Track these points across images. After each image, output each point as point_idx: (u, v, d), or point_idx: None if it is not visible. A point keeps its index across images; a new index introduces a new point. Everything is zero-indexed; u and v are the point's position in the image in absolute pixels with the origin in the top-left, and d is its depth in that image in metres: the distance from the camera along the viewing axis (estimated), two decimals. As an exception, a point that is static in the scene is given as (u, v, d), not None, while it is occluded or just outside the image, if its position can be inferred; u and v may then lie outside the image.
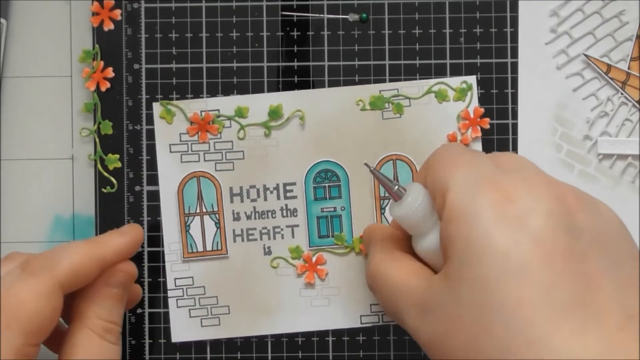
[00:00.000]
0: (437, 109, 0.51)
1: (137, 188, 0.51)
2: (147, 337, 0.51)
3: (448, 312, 0.37)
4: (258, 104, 0.51)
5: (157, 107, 0.51)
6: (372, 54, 0.52)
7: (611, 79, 0.51)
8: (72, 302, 0.44)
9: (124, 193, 0.51)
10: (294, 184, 0.51)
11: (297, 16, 0.52)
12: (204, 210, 0.51)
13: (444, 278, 0.38)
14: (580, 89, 0.51)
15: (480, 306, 0.36)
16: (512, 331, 0.35)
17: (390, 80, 0.51)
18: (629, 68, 0.51)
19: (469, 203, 0.37)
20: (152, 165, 0.51)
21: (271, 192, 0.51)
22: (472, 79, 0.51)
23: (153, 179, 0.51)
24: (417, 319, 0.39)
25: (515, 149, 0.51)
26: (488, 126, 0.51)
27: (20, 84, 0.52)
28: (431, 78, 0.51)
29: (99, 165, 0.51)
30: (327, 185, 0.51)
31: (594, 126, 0.51)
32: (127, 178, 0.51)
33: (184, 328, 0.51)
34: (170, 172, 0.51)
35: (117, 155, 0.51)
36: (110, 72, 0.51)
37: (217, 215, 0.51)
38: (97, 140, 0.51)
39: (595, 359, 0.34)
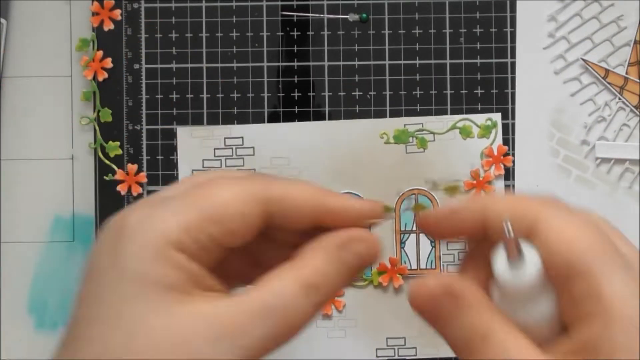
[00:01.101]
0: (461, 145, 0.51)
1: (138, 189, 0.52)
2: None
3: None
4: (281, 135, 0.51)
5: (181, 132, 0.51)
6: (372, 54, 0.52)
7: (609, 83, 0.51)
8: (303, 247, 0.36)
9: (124, 193, 0.51)
10: None
11: (297, 16, 0.52)
12: None
13: None
14: (578, 94, 0.51)
15: None
16: None
17: (391, 81, 0.51)
18: (626, 73, 0.51)
19: (634, 302, 0.31)
20: (154, 165, 0.51)
21: None
22: (497, 117, 0.51)
23: (154, 179, 0.52)
24: None
25: (513, 150, 0.51)
26: (511, 164, 0.51)
27: (20, 84, 0.52)
28: (456, 114, 0.51)
29: (99, 153, 0.51)
30: None
31: (592, 131, 0.51)
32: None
33: None
34: None
35: (117, 143, 0.51)
36: (108, 63, 0.51)
37: None
38: (97, 127, 0.51)
39: None
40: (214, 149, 0.51)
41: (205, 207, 0.34)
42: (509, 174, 0.51)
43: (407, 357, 0.51)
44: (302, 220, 0.36)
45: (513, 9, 0.51)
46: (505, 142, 0.51)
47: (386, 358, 0.51)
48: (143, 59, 0.52)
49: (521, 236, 0.32)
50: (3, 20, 0.51)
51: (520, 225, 0.33)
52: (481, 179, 0.51)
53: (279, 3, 0.52)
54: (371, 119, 0.51)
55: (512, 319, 0.33)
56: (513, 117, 0.51)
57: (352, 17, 0.51)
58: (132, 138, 0.51)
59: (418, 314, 0.36)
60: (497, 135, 0.51)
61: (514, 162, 0.51)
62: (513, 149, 0.51)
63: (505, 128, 0.51)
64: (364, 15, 0.51)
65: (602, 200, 0.51)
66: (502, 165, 0.51)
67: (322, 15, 0.52)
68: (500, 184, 0.51)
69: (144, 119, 0.51)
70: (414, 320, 0.50)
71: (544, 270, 0.32)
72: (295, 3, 0.52)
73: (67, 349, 0.33)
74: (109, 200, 0.51)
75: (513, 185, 0.51)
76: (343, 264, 0.36)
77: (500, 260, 0.32)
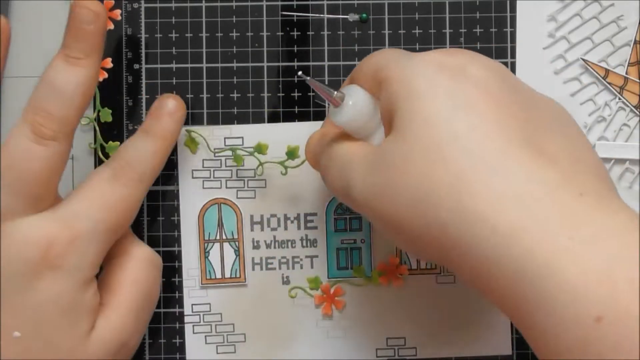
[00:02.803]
0: None
1: (137, 188, 0.52)
2: (147, 337, 0.51)
3: (398, 155, 0.37)
4: (278, 139, 0.51)
5: (181, 133, 0.51)
6: (372, 54, 0.52)
7: (609, 83, 0.51)
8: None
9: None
10: (314, 214, 0.51)
11: (297, 16, 0.52)
12: (224, 237, 0.51)
13: (392, 133, 0.38)
14: (578, 94, 0.51)
15: (430, 138, 0.36)
16: (467, 155, 0.35)
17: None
18: (626, 73, 0.51)
19: (408, 64, 0.39)
20: (152, 165, 0.51)
21: (292, 222, 0.51)
22: None
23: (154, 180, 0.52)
24: (363, 179, 0.39)
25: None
26: None
27: (20, 84, 0.52)
28: None
29: (99, 153, 0.51)
30: (348, 217, 0.51)
31: (592, 131, 0.51)
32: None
33: (199, 354, 0.51)
34: (191, 197, 0.51)
35: (118, 143, 0.51)
36: (108, 63, 0.51)
37: (237, 243, 0.51)
38: (97, 128, 0.51)
39: (556, 184, 0.34)
40: (214, 149, 0.51)
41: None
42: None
43: (407, 357, 0.51)
44: None
45: (513, 9, 0.51)
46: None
47: (386, 358, 0.51)
48: (143, 59, 0.52)
49: (345, 87, 0.42)
50: (3, 20, 0.51)
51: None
52: None
53: (279, 3, 0.52)
54: None
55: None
56: (513, 117, 0.51)
57: (352, 17, 0.52)
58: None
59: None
60: None
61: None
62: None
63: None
64: (364, 15, 0.51)
65: (602, 200, 0.51)
66: None
67: (322, 15, 0.52)
68: None
69: (144, 119, 0.51)
70: (415, 320, 0.51)
71: (372, 107, 0.41)
72: (295, 3, 0.52)
73: None
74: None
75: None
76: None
77: (331, 106, 0.42)
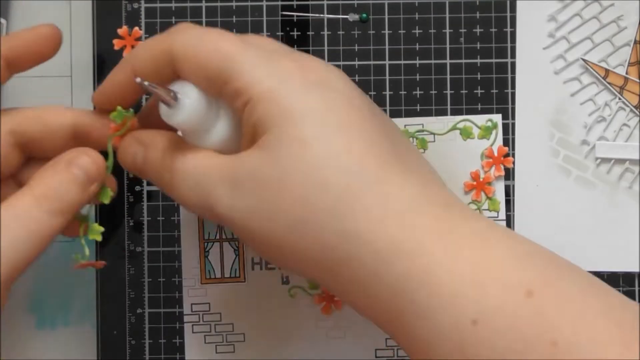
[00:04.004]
0: (461, 146, 0.51)
1: (137, 188, 0.52)
2: (147, 337, 0.51)
3: (271, 176, 0.36)
4: None
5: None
6: (372, 54, 0.52)
7: (609, 83, 0.51)
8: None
9: (124, 193, 0.51)
10: None
11: (297, 16, 0.52)
12: (224, 236, 0.51)
13: (260, 149, 0.36)
14: (578, 94, 0.51)
15: (307, 162, 0.35)
16: (346, 177, 0.35)
17: (391, 81, 0.52)
18: (626, 73, 0.51)
19: (271, 78, 0.37)
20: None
21: None
22: (497, 117, 0.51)
23: (153, 179, 0.52)
24: (230, 196, 0.37)
25: (513, 150, 0.51)
26: (512, 165, 0.51)
27: (20, 84, 0.52)
28: (456, 115, 0.51)
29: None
30: None
31: (592, 131, 0.51)
32: (127, 178, 0.51)
33: (198, 354, 0.51)
34: None
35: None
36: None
37: (236, 243, 0.51)
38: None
39: (424, 199, 0.36)
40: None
41: None
42: (509, 174, 0.51)
43: (407, 358, 0.51)
44: (59, 140, 0.42)
45: (513, 9, 0.51)
46: (506, 142, 0.51)
47: (385, 358, 0.51)
48: (143, 59, 0.52)
49: (168, 83, 0.39)
50: (3, 20, 0.51)
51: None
52: (481, 180, 0.51)
53: (279, 3, 0.52)
54: None
55: (200, 145, 0.39)
56: (513, 117, 0.51)
57: (352, 17, 0.52)
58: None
59: (128, 168, 0.42)
60: (498, 136, 0.51)
61: (514, 162, 0.51)
62: (513, 149, 0.51)
63: (505, 128, 0.51)
64: (364, 15, 0.51)
65: (602, 200, 0.51)
66: (502, 166, 0.51)
67: (322, 15, 0.52)
68: (500, 185, 0.51)
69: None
70: None
71: (206, 100, 0.38)
72: (295, 3, 0.52)
73: None
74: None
75: (513, 186, 0.51)
76: (71, 176, 0.41)
77: (163, 107, 0.39)
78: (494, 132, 0.51)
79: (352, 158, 0.35)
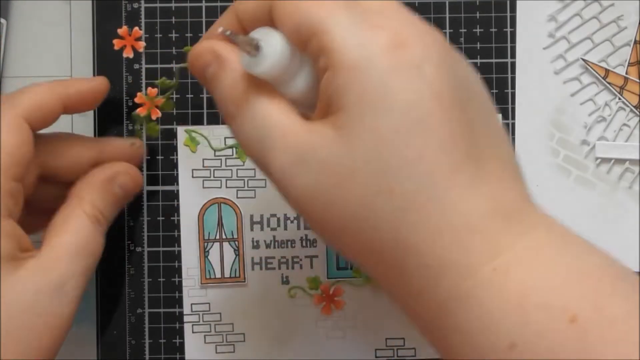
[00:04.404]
0: None
1: (137, 188, 0.52)
2: (147, 337, 0.51)
3: (339, 164, 0.34)
4: None
5: (181, 133, 0.51)
6: (372, 54, 0.52)
7: (609, 83, 0.51)
8: (72, 187, 0.46)
9: (124, 193, 0.51)
10: None
11: (296, 16, 0.52)
12: (224, 237, 0.51)
13: (333, 128, 0.35)
14: (578, 94, 0.51)
15: (380, 161, 0.34)
16: (413, 187, 0.34)
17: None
18: (626, 73, 0.51)
19: (360, 50, 0.34)
20: (153, 165, 0.51)
21: (291, 222, 0.51)
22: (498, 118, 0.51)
23: (154, 179, 0.52)
24: (292, 167, 0.35)
25: (513, 150, 0.51)
26: None
27: (20, 84, 0.51)
28: None
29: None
30: None
31: (592, 131, 0.51)
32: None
33: (198, 354, 0.51)
34: (191, 197, 0.51)
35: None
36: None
37: (236, 243, 0.51)
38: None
39: (488, 212, 0.34)
40: (214, 149, 0.51)
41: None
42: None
43: (407, 358, 0.51)
44: (54, 117, 0.45)
45: (513, 9, 0.51)
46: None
47: (385, 358, 0.51)
48: (143, 59, 0.52)
49: (256, 30, 0.37)
50: (3, 20, 0.51)
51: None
52: None
53: (279, 3, 0.52)
54: None
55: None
56: (513, 117, 0.51)
57: (352, 17, 0.51)
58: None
59: (196, 76, 0.39)
60: None
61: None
62: (513, 147, 0.51)
63: (505, 128, 0.51)
64: (364, 15, 0.51)
65: (602, 200, 0.51)
66: None
67: (322, 15, 0.51)
68: None
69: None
70: None
71: (290, 52, 0.36)
72: (295, 3, 0.52)
73: None
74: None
75: (513, 185, 0.51)
76: (112, 196, 0.45)
77: (244, 56, 0.36)
78: None
79: (422, 166, 0.34)
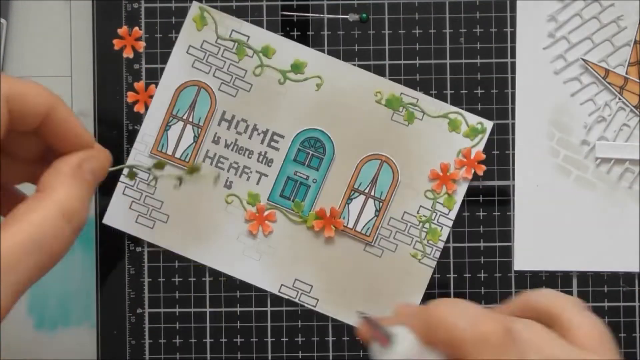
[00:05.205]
0: (444, 135, 0.51)
1: (137, 188, 0.52)
2: (147, 337, 0.52)
3: None
4: (286, 51, 0.51)
5: (194, 8, 0.51)
6: (372, 54, 0.52)
7: (609, 83, 0.51)
8: (41, 178, 0.40)
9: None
10: (282, 136, 0.51)
11: (297, 16, 0.52)
12: (190, 120, 0.51)
13: None
14: (578, 94, 0.51)
15: None
16: None
17: (391, 75, 0.51)
18: (626, 73, 0.51)
19: None
20: (152, 165, 0.52)
21: (258, 135, 0.51)
22: (489, 124, 0.51)
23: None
24: None
25: (513, 150, 0.51)
26: (482, 173, 0.51)
27: (21, 84, 0.52)
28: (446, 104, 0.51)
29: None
30: (311, 152, 0.51)
31: (592, 131, 0.51)
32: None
33: (118, 216, 0.51)
34: (177, 70, 0.51)
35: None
36: (153, 90, 0.52)
37: (199, 130, 0.51)
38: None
39: None
40: (219, 36, 0.51)
41: None
42: (508, 174, 0.51)
43: (306, 305, 0.51)
44: (35, 118, 0.38)
45: (513, 9, 0.51)
46: (503, 143, 0.51)
47: (286, 297, 0.51)
48: (143, 59, 0.52)
49: (392, 326, 0.39)
50: (3, 20, 0.51)
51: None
52: (448, 174, 0.51)
53: (279, 3, 0.52)
54: (373, 74, 0.51)
55: None
56: (513, 117, 0.51)
57: (352, 17, 0.52)
58: (132, 138, 0.51)
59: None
60: (482, 142, 0.51)
61: (513, 162, 0.51)
62: (513, 149, 0.51)
63: (505, 128, 0.51)
64: (364, 15, 0.51)
65: (602, 200, 0.51)
66: (472, 170, 0.51)
67: (322, 15, 0.52)
68: (462, 187, 0.51)
69: (143, 119, 0.52)
70: (328, 274, 0.51)
71: (418, 347, 0.39)
72: (295, 3, 0.52)
73: None
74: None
75: (513, 186, 0.51)
76: (85, 183, 0.39)
77: (375, 345, 0.39)
78: (480, 135, 0.51)
79: None
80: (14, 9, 0.52)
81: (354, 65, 0.51)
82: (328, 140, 0.51)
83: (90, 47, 0.52)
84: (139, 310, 0.52)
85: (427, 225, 0.51)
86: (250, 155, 0.51)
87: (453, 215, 0.51)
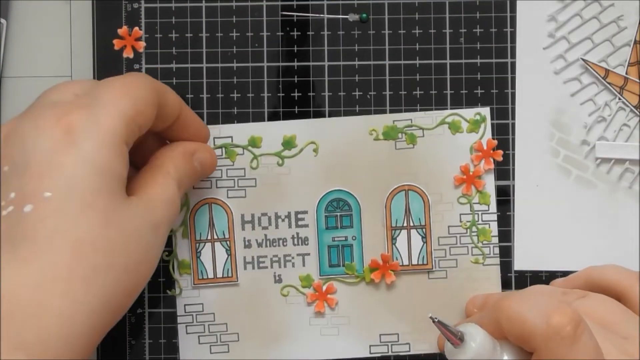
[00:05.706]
0: (450, 140, 0.51)
1: (137, 188, 0.52)
2: (147, 337, 0.52)
3: None
4: (272, 133, 0.51)
5: None
6: (372, 54, 0.52)
7: (609, 83, 0.51)
8: (154, 155, 0.47)
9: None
10: (305, 212, 0.51)
11: (297, 16, 0.52)
12: (215, 237, 0.51)
13: None
14: (578, 94, 0.51)
15: None
16: None
17: (391, 81, 0.52)
18: (626, 73, 0.51)
19: None
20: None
21: (283, 220, 0.51)
22: (486, 111, 0.51)
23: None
24: None
25: (513, 150, 0.51)
26: (501, 158, 0.51)
27: (20, 84, 0.52)
28: (445, 109, 0.51)
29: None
30: (338, 214, 0.51)
31: (592, 131, 0.51)
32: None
33: (193, 355, 0.51)
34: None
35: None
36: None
37: (228, 242, 0.51)
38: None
39: None
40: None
41: (131, 103, 0.42)
42: (508, 175, 0.51)
43: (401, 353, 0.52)
44: (172, 116, 0.46)
45: (513, 9, 0.51)
46: (504, 140, 0.51)
47: (380, 354, 0.51)
48: (143, 59, 0.52)
49: (463, 324, 0.42)
50: (3, 20, 0.51)
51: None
52: (471, 173, 0.51)
53: (279, 3, 0.52)
54: (359, 116, 0.51)
55: None
56: (513, 117, 0.51)
57: (352, 17, 0.52)
58: (132, 138, 0.51)
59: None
60: (487, 130, 0.51)
61: (513, 162, 0.51)
62: (513, 149, 0.51)
63: (504, 127, 0.51)
64: (364, 15, 0.51)
65: (602, 200, 0.51)
66: (491, 160, 0.51)
67: (322, 15, 0.52)
68: (490, 178, 0.51)
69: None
70: (407, 316, 0.51)
71: (491, 342, 0.41)
72: (295, 3, 0.52)
73: None
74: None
75: (513, 186, 0.51)
76: (192, 168, 0.47)
77: (447, 343, 0.41)
78: (482, 125, 0.51)
79: None
80: (14, 9, 0.52)
81: (354, 64, 0.51)
82: (348, 195, 0.51)
83: (90, 47, 0.52)
84: (139, 310, 0.52)
85: (474, 228, 0.51)
86: (284, 243, 0.51)
87: (494, 208, 0.51)
